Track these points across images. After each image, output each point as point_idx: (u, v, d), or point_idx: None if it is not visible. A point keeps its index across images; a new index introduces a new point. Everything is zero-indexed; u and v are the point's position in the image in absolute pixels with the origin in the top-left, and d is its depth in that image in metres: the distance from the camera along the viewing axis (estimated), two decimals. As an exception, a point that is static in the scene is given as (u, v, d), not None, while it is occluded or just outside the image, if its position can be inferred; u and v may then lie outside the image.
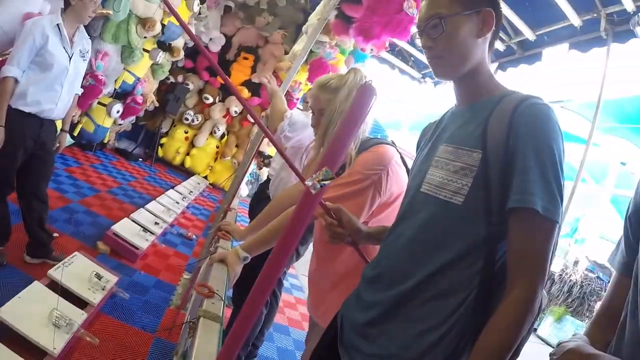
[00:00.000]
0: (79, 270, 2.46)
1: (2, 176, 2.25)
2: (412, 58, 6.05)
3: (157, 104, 6.21)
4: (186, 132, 6.94)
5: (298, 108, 4.32)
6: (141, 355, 2.18)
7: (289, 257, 0.79)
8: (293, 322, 3.65)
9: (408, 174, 1.24)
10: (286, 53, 6.21)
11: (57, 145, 2.52)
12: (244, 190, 6.90)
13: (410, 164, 1.25)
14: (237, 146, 7.24)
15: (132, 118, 6.13)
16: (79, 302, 2.22)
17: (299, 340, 3.27)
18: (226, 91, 7.05)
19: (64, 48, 2.32)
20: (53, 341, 1.81)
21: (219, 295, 1.19)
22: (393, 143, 1.46)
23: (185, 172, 7.24)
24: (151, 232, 3.61)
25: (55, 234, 2.93)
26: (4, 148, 2.11)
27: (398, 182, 1.37)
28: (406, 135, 11.21)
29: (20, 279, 2.40)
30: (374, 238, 1.19)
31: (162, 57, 5.49)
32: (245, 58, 6.99)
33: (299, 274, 4.84)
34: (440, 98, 7.91)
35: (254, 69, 7.00)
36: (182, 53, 6.00)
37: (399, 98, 11.90)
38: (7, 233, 2.43)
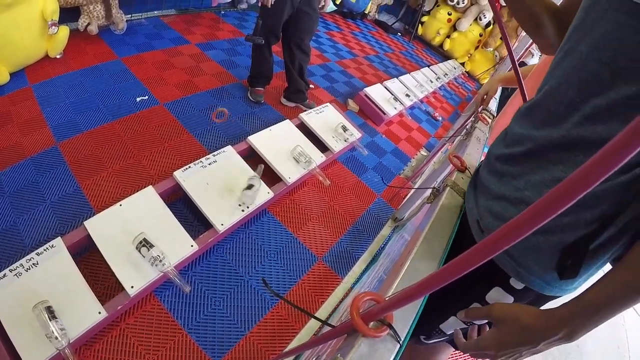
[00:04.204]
0: (327, 119, 2.63)
1: (269, 27, 2.42)
2: None
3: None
4: (449, 14, 6.48)
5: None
6: (363, 207, 2.35)
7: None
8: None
9: None
10: None
11: (322, 4, 2.52)
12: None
13: None
14: (502, 39, 6.27)
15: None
16: (321, 146, 2.41)
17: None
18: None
19: None
20: (289, 172, 2.03)
21: (470, 172, 1.11)
22: None
23: (442, 55, 6.87)
24: (401, 102, 3.60)
25: (312, 85, 3.15)
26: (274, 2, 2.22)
27: None
28: None
29: (273, 117, 2.74)
30: None
31: None
32: None
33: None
34: None
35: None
36: None
37: None
38: (269, 77, 2.74)
